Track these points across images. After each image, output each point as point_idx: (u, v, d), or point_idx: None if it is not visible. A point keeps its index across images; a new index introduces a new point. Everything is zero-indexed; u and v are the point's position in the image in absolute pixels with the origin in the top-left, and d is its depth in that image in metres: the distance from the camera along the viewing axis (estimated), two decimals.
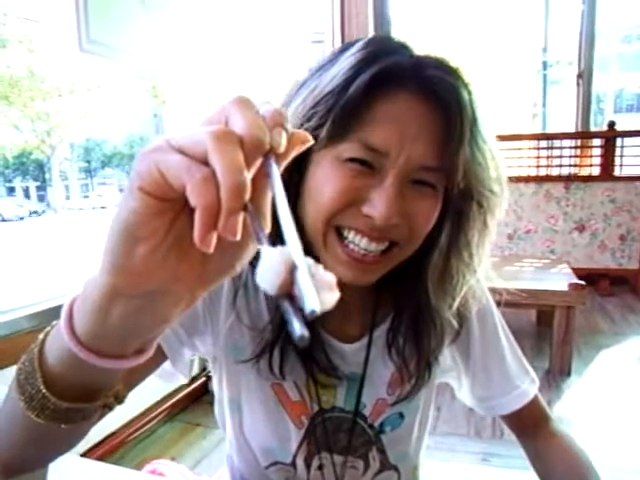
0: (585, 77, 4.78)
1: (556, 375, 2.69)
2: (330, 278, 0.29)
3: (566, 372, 2.70)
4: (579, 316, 2.90)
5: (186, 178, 0.29)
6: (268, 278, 0.28)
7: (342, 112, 0.58)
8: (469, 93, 0.59)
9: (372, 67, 0.58)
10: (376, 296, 0.72)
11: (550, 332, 2.75)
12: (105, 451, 1.90)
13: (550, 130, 5.75)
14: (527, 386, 0.80)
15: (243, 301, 0.69)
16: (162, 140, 0.31)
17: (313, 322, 0.69)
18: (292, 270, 0.28)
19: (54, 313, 1.49)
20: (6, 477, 0.49)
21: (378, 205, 0.56)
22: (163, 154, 0.30)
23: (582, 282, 2.62)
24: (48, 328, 0.43)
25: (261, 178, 0.32)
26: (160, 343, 0.63)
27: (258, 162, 0.32)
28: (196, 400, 2.32)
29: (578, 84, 4.84)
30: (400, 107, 0.58)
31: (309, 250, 0.63)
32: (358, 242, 0.59)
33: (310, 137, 0.34)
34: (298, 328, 0.27)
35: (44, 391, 0.40)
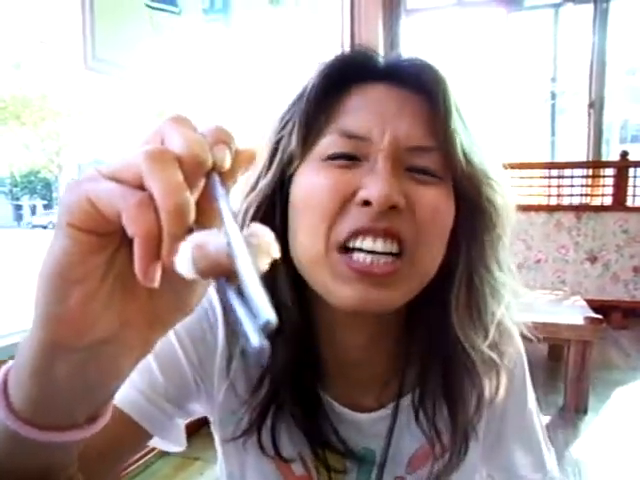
0: (596, 107, 4.75)
1: (571, 413, 2.58)
2: (269, 239, 0.27)
3: (582, 410, 2.58)
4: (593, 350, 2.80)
5: (121, 205, 0.25)
6: (187, 255, 0.24)
7: (308, 108, 0.53)
8: (450, 85, 0.54)
9: (331, 60, 0.55)
10: (404, 364, 0.62)
11: (563, 367, 2.65)
12: None
13: (558, 159, 5.71)
14: None
15: (240, 365, 0.59)
16: (92, 169, 0.27)
17: (318, 389, 0.59)
18: (227, 253, 0.25)
19: None
20: None
21: (372, 185, 0.49)
22: (93, 183, 0.26)
23: (599, 316, 2.53)
24: None
25: (207, 202, 0.28)
26: (141, 423, 0.55)
27: (201, 184, 0.28)
28: (194, 432, 2.22)
29: (589, 114, 4.81)
30: (374, 96, 0.54)
31: (308, 287, 0.54)
32: (360, 245, 0.49)
33: (256, 153, 0.30)
34: (254, 336, 0.21)
35: None
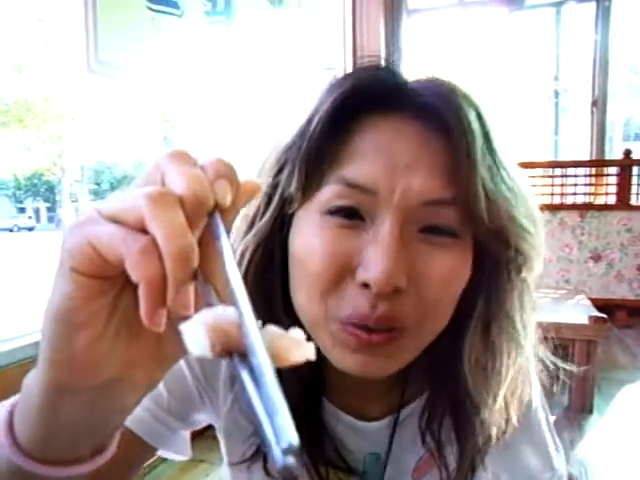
0: (599, 105, 4.74)
1: (576, 412, 2.56)
2: (298, 333, 0.25)
3: (587, 409, 2.57)
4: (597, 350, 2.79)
5: (123, 250, 0.24)
6: (201, 337, 0.24)
7: (309, 152, 0.46)
8: (478, 113, 0.47)
9: (341, 89, 0.47)
10: (405, 374, 0.58)
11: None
12: None
13: (562, 158, 5.70)
14: None
15: None
16: (92, 209, 0.26)
17: (319, 399, 0.58)
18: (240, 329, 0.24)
19: None
20: None
21: (373, 264, 0.43)
22: (94, 226, 0.25)
23: (604, 315, 2.52)
24: None
25: (209, 240, 0.27)
26: (145, 439, 0.55)
27: (203, 222, 0.27)
28: (199, 435, 2.21)
29: (592, 112, 4.79)
30: (386, 135, 0.47)
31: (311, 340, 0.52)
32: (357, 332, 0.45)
33: (259, 186, 0.29)
34: (278, 456, 0.19)
35: None
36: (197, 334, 0.24)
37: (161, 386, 0.56)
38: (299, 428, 0.57)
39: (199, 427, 0.63)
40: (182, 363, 0.57)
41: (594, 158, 4.78)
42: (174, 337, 0.29)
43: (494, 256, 0.49)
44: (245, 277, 0.48)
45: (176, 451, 0.60)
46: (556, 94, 5.94)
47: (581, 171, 4.60)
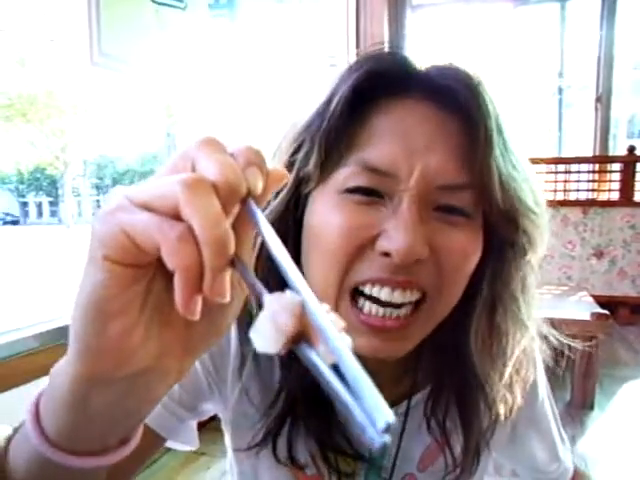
0: (603, 101, 4.72)
1: (578, 408, 2.57)
2: (339, 322, 0.24)
3: (588, 406, 2.58)
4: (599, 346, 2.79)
5: (159, 238, 0.24)
6: (269, 332, 0.24)
7: (329, 131, 0.47)
8: (490, 97, 0.48)
9: (359, 71, 0.48)
10: (415, 363, 0.59)
11: (570, 362, 2.63)
12: None
13: (565, 154, 5.68)
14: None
15: (252, 367, 0.57)
16: (122, 197, 0.25)
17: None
18: (304, 314, 0.24)
19: (58, 333, 1.42)
20: None
21: (394, 234, 0.44)
22: (126, 213, 0.25)
23: (606, 312, 2.52)
24: (9, 432, 0.35)
25: (238, 227, 0.27)
26: (157, 430, 0.55)
27: (236, 210, 0.27)
28: (201, 427, 2.22)
29: (596, 108, 4.77)
30: (403, 117, 0.48)
31: None
32: (378, 294, 0.46)
33: (286, 174, 0.29)
34: (374, 435, 0.19)
35: None
36: (265, 329, 0.24)
37: None
38: (309, 415, 0.57)
39: (206, 417, 0.63)
40: None
41: (597, 154, 4.76)
42: (204, 325, 0.30)
43: (501, 237, 0.50)
44: (258, 257, 0.48)
45: (184, 441, 0.61)
46: (560, 90, 5.91)
47: (584, 167, 4.58)
